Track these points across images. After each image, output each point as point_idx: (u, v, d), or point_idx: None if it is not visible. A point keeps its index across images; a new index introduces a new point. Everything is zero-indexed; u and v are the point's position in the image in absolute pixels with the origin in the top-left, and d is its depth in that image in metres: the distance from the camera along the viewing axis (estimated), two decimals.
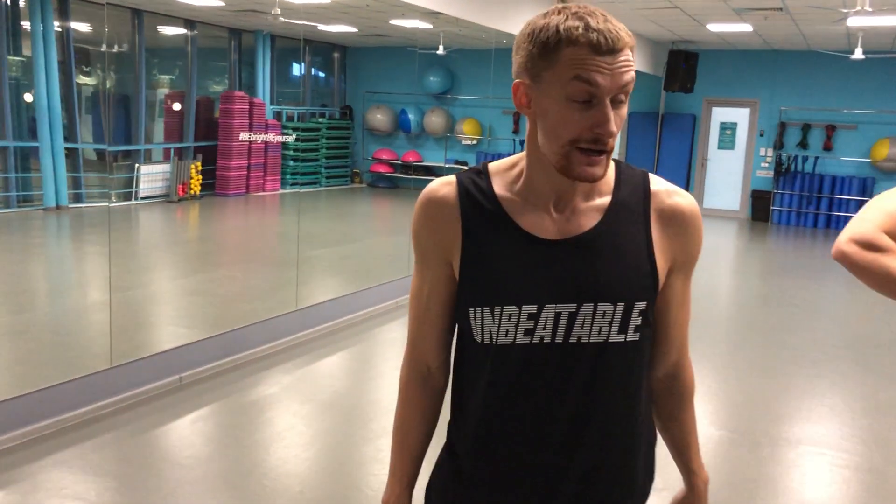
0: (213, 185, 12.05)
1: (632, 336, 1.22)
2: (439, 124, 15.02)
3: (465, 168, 1.32)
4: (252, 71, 13.32)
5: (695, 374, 1.41)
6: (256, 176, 12.64)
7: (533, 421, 1.25)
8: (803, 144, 13.19)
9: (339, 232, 10.18)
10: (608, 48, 1.12)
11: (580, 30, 1.11)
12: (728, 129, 14.01)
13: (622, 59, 1.13)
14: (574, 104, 1.13)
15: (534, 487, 1.27)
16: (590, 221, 1.23)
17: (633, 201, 1.26)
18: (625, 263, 1.22)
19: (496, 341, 1.22)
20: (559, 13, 1.15)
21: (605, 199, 1.25)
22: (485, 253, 1.23)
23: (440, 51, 12.08)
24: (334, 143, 14.77)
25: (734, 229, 12.65)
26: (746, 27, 10.55)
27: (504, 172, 1.28)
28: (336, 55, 15.38)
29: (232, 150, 12.04)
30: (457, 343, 1.34)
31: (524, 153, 1.27)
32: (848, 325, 6.86)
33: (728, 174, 14.00)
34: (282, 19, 8.66)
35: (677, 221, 1.26)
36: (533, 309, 1.20)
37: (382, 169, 15.43)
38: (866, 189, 12.82)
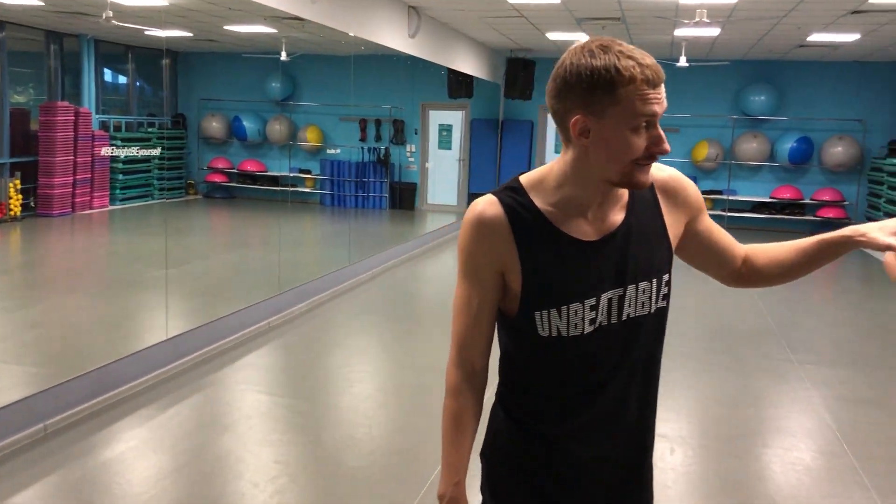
0: (35, 204, 10.95)
1: (661, 303, 1.50)
2: (282, 132, 14.56)
3: (499, 187, 1.49)
4: (76, 78, 12.26)
5: None
6: (83, 192, 11.63)
7: (594, 389, 1.47)
8: None
9: (183, 248, 9.56)
10: (657, 81, 1.34)
11: (637, 68, 1.31)
12: None
13: (663, 88, 1.37)
14: (641, 131, 1.35)
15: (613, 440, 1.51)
16: (618, 218, 1.47)
17: (645, 191, 1.50)
18: (650, 246, 1.48)
19: (567, 334, 1.43)
20: (604, 52, 1.33)
21: (625, 197, 1.48)
22: (541, 262, 1.43)
23: (283, 56, 11.68)
24: (166, 154, 13.91)
25: None
26: (583, 36, 11.03)
27: (539, 187, 1.46)
28: (167, 61, 14.48)
29: (55, 165, 11.00)
30: (512, 341, 1.52)
31: (550, 168, 1.47)
32: (708, 320, 7.31)
33: None
34: (114, 22, 7.99)
35: (675, 190, 1.55)
36: (593, 301, 1.43)
37: (218, 179, 14.73)
38: None
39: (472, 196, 14.59)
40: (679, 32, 10.32)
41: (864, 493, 3.55)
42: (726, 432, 4.31)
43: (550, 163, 1.48)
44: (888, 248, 1.43)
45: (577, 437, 1.48)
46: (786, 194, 13.45)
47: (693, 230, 1.59)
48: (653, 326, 1.49)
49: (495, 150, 14.57)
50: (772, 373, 5.40)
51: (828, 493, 3.58)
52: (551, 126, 14.59)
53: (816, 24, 9.42)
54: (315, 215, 13.86)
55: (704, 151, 13.75)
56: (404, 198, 14.48)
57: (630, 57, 1.31)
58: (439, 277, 9.41)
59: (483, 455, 1.59)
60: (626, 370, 1.47)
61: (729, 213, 13.61)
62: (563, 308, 1.41)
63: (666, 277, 1.49)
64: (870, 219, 12.72)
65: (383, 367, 5.46)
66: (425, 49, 9.91)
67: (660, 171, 1.53)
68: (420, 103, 14.42)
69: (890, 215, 11.52)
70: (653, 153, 1.36)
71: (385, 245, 9.75)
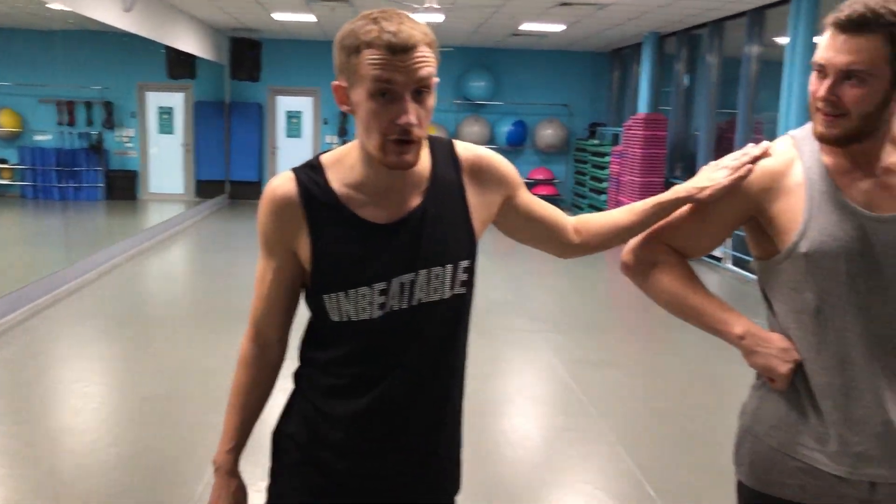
0: None
1: (459, 290, 1.46)
2: None
3: (302, 164, 1.46)
4: None
5: None
6: None
7: (384, 373, 1.44)
8: None
9: None
10: (402, 47, 1.27)
11: (375, 33, 1.28)
12: (294, 118, 14.34)
13: (417, 55, 1.28)
14: (379, 99, 1.29)
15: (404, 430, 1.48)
16: (415, 201, 1.42)
17: (448, 174, 1.46)
18: (447, 231, 1.44)
19: (357, 318, 1.41)
20: (362, 18, 1.31)
21: (425, 180, 1.44)
22: (330, 244, 1.40)
23: None
24: None
25: None
26: (311, 17, 10.85)
27: (336, 165, 1.43)
28: None
29: None
30: (311, 322, 1.50)
31: (353, 144, 1.42)
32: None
33: (298, 161, 14.27)
34: None
35: (483, 171, 1.51)
36: (383, 286, 1.40)
37: None
38: None
39: (200, 183, 13.82)
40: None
41: (612, 448, 3.88)
42: (480, 406, 4.49)
43: (354, 142, 1.43)
44: (738, 180, 1.50)
45: (369, 418, 1.46)
46: None
47: (511, 207, 1.57)
48: (449, 312, 1.46)
49: (223, 134, 13.90)
50: (514, 342, 5.74)
51: (582, 452, 3.87)
52: (281, 108, 14.25)
53: (528, 14, 10.14)
54: (17, 211, 12.27)
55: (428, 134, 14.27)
56: (122, 187, 13.32)
57: (376, 22, 1.28)
58: (174, 273, 8.77)
59: (274, 435, 1.56)
60: (418, 355, 1.45)
61: None
62: (352, 292, 1.39)
63: (465, 264, 1.45)
64: (577, 195, 14.09)
65: (126, 377, 4.94)
66: (143, 25, 9.12)
67: (468, 151, 1.50)
68: (137, 83, 13.31)
69: (594, 191, 12.84)
70: (401, 127, 1.29)
71: (110, 240, 8.87)
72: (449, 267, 1.43)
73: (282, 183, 1.42)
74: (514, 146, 14.46)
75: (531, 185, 14.51)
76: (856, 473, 1.45)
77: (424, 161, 1.44)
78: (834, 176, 1.45)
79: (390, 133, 1.30)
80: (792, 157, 1.50)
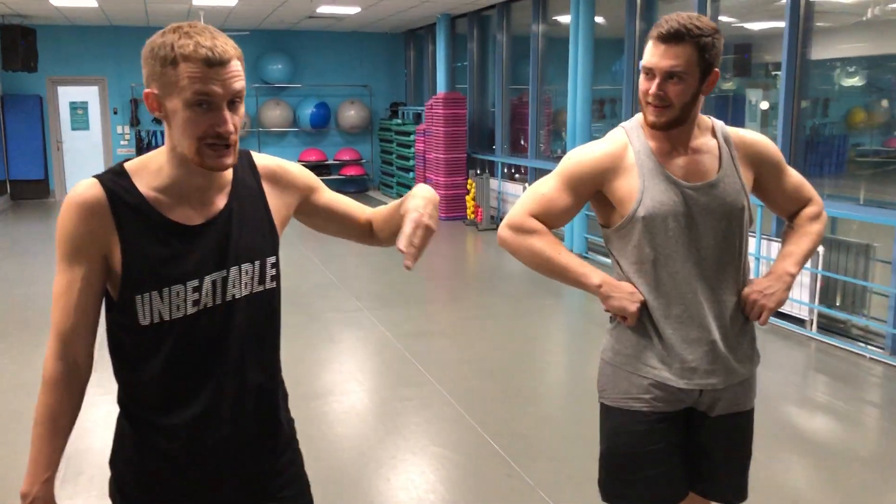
0: None
1: (269, 285, 1.57)
2: None
3: (103, 172, 1.48)
4: None
5: None
6: None
7: (207, 373, 1.49)
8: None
9: None
10: (218, 61, 1.36)
11: (192, 47, 1.35)
12: (80, 109, 13.40)
13: (232, 69, 1.39)
14: (197, 109, 1.37)
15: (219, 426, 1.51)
16: (220, 203, 1.51)
17: (248, 180, 1.57)
18: (252, 231, 1.54)
19: (170, 317, 1.45)
20: (174, 32, 1.38)
21: (228, 183, 1.53)
22: (143, 246, 1.44)
23: None
24: None
25: None
26: (92, 2, 10.19)
27: (142, 171, 1.47)
28: None
29: None
30: (120, 334, 1.49)
31: (158, 151, 1.48)
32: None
33: (88, 155, 13.43)
34: None
35: (279, 176, 1.63)
36: (195, 283, 1.46)
37: None
38: None
39: None
40: (197, 2, 10.20)
41: (454, 410, 4.17)
42: (323, 388, 4.63)
43: (159, 148, 1.50)
44: (413, 229, 1.49)
45: (199, 423, 1.49)
46: (312, 157, 14.38)
47: (310, 207, 1.69)
48: (261, 305, 1.55)
49: None
50: (348, 322, 5.90)
51: (428, 418, 4.13)
52: (64, 100, 13.27)
53: None
54: None
55: None
56: None
57: (191, 37, 1.36)
58: None
59: (111, 463, 1.56)
60: (236, 349, 1.51)
61: None
62: (165, 290, 1.43)
63: (272, 260, 1.56)
64: (385, 174, 14.36)
65: None
66: None
67: (264, 161, 1.62)
68: None
69: (402, 169, 13.17)
70: (219, 134, 1.39)
71: None
72: (257, 263, 1.53)
73: (86, 189, 1.42)
74: (318, 128, 14.44)
75: (340, 166, 14.60)
76: (691, 383, 1.86)
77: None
78: (658, 156, 1.85)
79: (207, 137, 1.38)
80: (625, 143, 1.88)
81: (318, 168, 14.45)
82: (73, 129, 13.40)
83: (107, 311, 1.49)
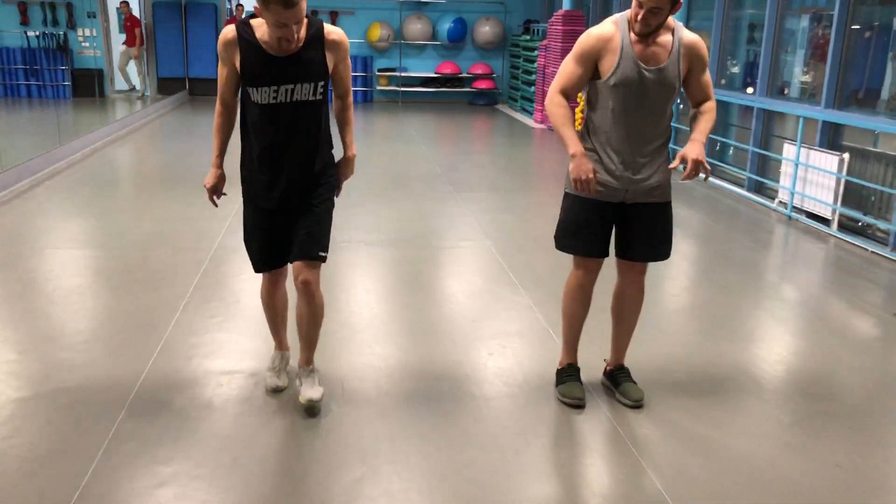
0: None
1: (318, 97, 2.90)
2: None
3: (239, 20, 2.85)
4: None
5: None
6: None
7: (279, 140, 2.90)
8: None
9: None
10: (288, 5, 2.61)
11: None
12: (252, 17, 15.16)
13: (297, 8, 2.64)
14: (275, 27, 2.69)
15: (283, 159, 2.95)
16: (295, 47, 2.80)
17: (315, 39, 2.85)
18: (311, 66, 2.85)
19: (263, 102, 2.83)
20: None
21: (302, 40, 2.81)
22: (250, 63, 2.81)
23: None
24: None
25: None
26: None
27: (260, 26, 2.81)
28: None
29: None
30: (242, 101, 2.93)
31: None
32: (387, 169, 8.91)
33: None
34: None
35: (332, 44, 2.90)
36: (275, 87, 2.82)
37: None
38: (367, 65, 15.31)
39: (161, 80, 14.76)
40: None
41: (493, 258, 5.36)
42: (406, 236, 5.93)
43: None
44: None
45: (274, 148, 2.91)
46: (447, 69, 15.54)
47: (334, 69, 2.95)
48: (312, 107, 2.89)
49: (181, 33, 14.75)
50: (437, 199, 7.16)
51: (472, 258, 5.35)
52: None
53: None
54: None
55: (377, 33, 15.25)
56: (88, 85, 14.19)
57: None
58: (147, 154, 9.95)
59: (241, 166, 3.07)
60: (292, 125, 2.87)
61: (403, 88, 15.41)
62: (258, 88, 2.81)
63: (322, 83, 2.87)
64: (512, 87, 15.28)
65: (123, 222, 6.23)
66: None
67: (330, 30, 2.89)
68: None
69: (525, 83, 14.07)
70: (288, 40, 2.71)
71: (88, 128, 10.01)
72: (312, 84, 2.85)
73: (229, 30, 2.83)
74: (455, 43, 15.52)
75: (472, 79, 15.68)
76: (613, 180, 3.03)
77: (302, 29, 2.80)
78: (633, 45, 2.93)
79: (281, 40, 2.71)
80: (614, 31, 2.96)
81: (452, 80, 15.59)
82: None
83: (242, 93, 2.91)
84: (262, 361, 3.52)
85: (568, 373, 3.31)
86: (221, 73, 2.88)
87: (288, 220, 2.97)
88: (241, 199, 3.06)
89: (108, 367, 3.46)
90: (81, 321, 4.05)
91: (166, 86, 14.64)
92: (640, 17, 2.84)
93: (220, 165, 3.03)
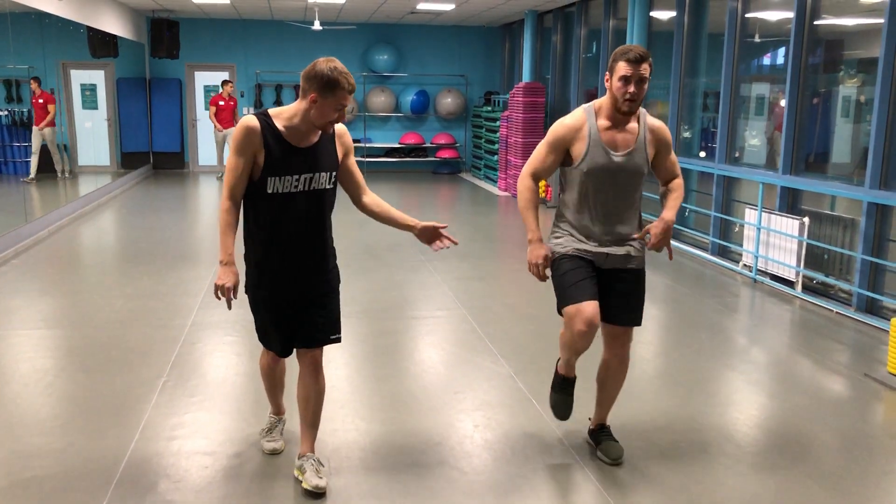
0: None
1: (331, 186, 3.01)
2: None
3: (257, 111, 2.94)
4: None
5: None
6: None
7: (297, 229, 2.96)
8: (279, 102, 15.27)
9: None
10: (351, 90, 2.82)
11: (342, 82, 2.79)
12: (212, 92, 15.33)
13: (351, 95, 2.84)
14: (335, 112, 2.86)
15: (296, 258, 3.01)
16: (314, 140, 2.95)
17: (330, 133, 3.02)
18: (327, 156, 2.99)
19: (283, 191, 2.91)
20: (327, 64, 2.80)
21: (319, 133, 2.97)
22: (276, 154, 2.88)
23: None
24: None
25: None
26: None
27: (278, 116, 2.92)
28: None
29: None
30: (251, 196, 2.94)
31: (293, 107, 2.91)
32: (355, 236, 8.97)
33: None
34: None
35: (341, 136, 3.06)
36: (298, 176, 2.92)
37: None
38: None
39: (125, 155, 14.75)
40: (312, 0, 11.76)
41: (471, 328, 5.39)
42: (381, 306, 5.94)
43: (290, 105, 2.93)
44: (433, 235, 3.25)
45: (287, 246, 2.95)
46: (411, 140, 15.81)
47: (343, 162, 3.08)
48: (328, 196, 3.00)
49: (145, 108, 14.82)
50: (409, 269, 7.21)
51: (448, 328, 5.37)
52: (200, 83, 15.22)
53: None
54: None
55: None
56: (51, 161, 14.08)
57: (343, 75, 2.78)
58: (111, 230, 9.87)
59: (245, 259, 3.11)
60: (308, 213, 2.96)
61: (367, 159, 15.62)
62: (286, 177, 2.89)
63: (334, 173, 3.01)
64: (475, 157, 15.59)
65: (94, 299, 6.15)
66: (72, 10, 10.09)
67: (340, 128, 3.06)
68: (60, 62, 14.06)
69: (488, 152, 14.37)
70: (336, 121, 2.90)
71: (54, 205, 9.90)
72: (328, 173, 2.98)
73: (251, 120, 2.87)
74: (418, 114, 15.85)
75: (435, 149, 15.96)
76: (593, 247, 3.18)
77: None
78: (601, 132, 3.09)
79: (333, 123, 2.87)
80: (584, 120, 3.12)
81: (416, 150, 15.84)
82: (206, 108, 15.34)
83: (248, 187, 2.91)
84: (247, 441, 3.48)
85: (562, 386, 3.46)
86: (237, 164, 2.84)
87: (302, 306, 3.04)
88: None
89: (88, 452, 3.38)
90: (57, 404, 3.96)
91: (130, 160, 14.63)
92: (627, 93, 2.97)
93: (234, 263, 2.90)
